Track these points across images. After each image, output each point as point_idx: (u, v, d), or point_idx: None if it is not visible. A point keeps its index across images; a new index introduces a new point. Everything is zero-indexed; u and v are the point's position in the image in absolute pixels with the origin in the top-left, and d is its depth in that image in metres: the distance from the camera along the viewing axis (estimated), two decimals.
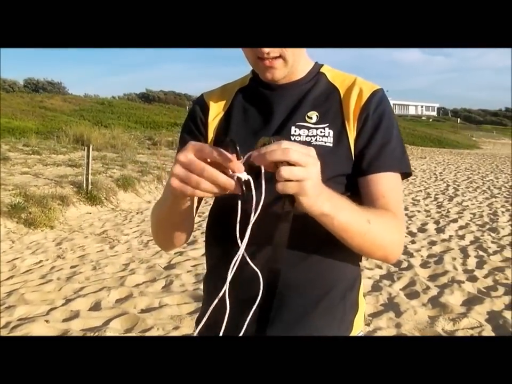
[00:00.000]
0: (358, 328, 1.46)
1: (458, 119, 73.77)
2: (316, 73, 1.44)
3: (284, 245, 1.21)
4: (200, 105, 1.51)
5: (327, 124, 1.36)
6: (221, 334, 1.16)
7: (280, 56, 1.31)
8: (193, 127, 1.49)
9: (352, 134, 1.35)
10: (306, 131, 1.35)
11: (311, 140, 1.34)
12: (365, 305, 1.52)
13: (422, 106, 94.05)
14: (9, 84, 40.74)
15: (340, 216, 1.15)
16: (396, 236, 1.32)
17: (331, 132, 1.34)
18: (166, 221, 1.37)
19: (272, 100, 1.42)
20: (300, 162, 1.00)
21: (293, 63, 1.35)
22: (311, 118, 1.37)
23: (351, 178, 1.37)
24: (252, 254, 1.31)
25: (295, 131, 1.36)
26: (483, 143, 50.82)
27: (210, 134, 1.46)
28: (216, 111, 1.48)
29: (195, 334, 1.52)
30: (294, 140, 1.33)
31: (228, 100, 1.49)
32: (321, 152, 1.29)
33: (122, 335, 4.15)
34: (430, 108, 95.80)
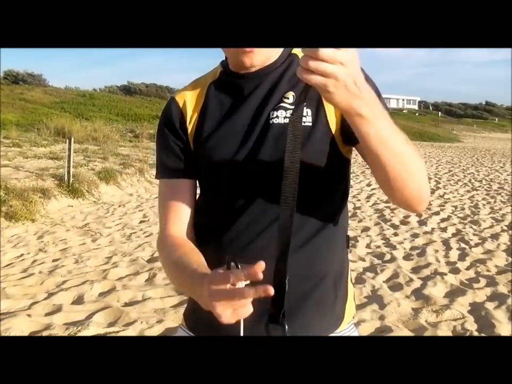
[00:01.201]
0: (350, 315, 1.46)
1: (439, 113, 74.25)
2: (287, 56, 1.42)
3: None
4: (175, 110, 1.46)
5: (304, 103, 1.33)
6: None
7: None
8: (169, 133, 1.45)
9: (329, 109, 1.32)
10: (284, 112, 1.34)
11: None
12: (354, 290, 1.52)
13: (403, 100, 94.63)
14: None
15: (379, 124, 1.07)
16: (425, 173, 1.25)
17: (309, 111, 1.32)
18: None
19: (247, 88, 1.39)
20: (333, 59, 0.94)
21: (268, 49, 1.34)
22: (287, 98, 1.35)
23: (331, 155, 1.34)
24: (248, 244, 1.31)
25: (272, 114, 1.34)
26: (464, 136, 51.20)
27: (191, 137, 1.42)
28: (191, 112, 1.44)
29: (183, 329, 1.52)
30: (272, 123, 1.33)
31: (201, 97, 1.45)
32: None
33: (106, 329, 4.12)
34: (411, 101, 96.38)
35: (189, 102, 1.45)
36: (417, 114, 74.33)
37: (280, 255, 1.14)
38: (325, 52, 0.92)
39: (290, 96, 1.35)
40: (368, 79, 1.24)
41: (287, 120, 1.31)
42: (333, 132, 1.33)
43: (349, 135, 1.26)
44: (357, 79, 0.98)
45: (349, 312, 1.46)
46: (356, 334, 1.49)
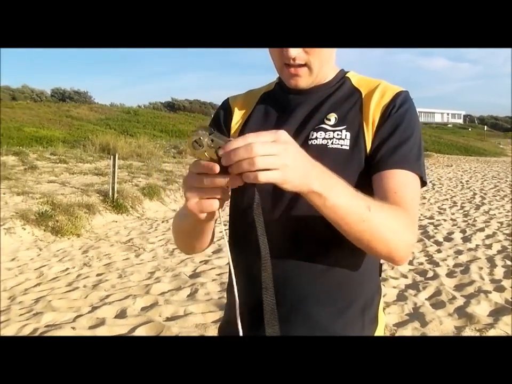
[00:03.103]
0: None
1: (485, 126, 72.96)
2: (341, 78, 1.44)
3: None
4: (225, 109, 1.53)
5: (345, 126, 1.34)
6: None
7: (305, 65, 1.32)
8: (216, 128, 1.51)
9: (369, 135, 1.33)
10: (323, 133, 1.35)
11: (327, 142, 1.33)
12: (385, 320, 1.52)
13: (448, 114, 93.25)
14: (37, 93, 41.33)
15: (333, 196, 1.07)
16: (403, 233, 1.21)
17: (348, 134, 1.33)
18: (186, 234, 1.38)
19: (294, 104, 1.42)
20: (270, 154, 0.94)
21: (318, 72, 1.36)
22: (329, 120, 1.37)
23: (365, 179, 1.34)
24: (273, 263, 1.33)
25: (312, 134, 1.36)
26: (511, 150, 50.17)
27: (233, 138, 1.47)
28: (239, 116, 1.50)
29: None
30: (311, 144, 1.34)
31: (251, 105, 1.50)
32: (337, 155, 1.31)
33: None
34: (456, 115, 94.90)
35: (239, 107, 1.51)
36: (461, 128, 73.28)
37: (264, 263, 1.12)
38: (258, 150, 0.93)
39: (332, 117, 1.37)
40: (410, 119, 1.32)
41: (325, 142, 1.33)
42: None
43: (368, 165, 1.31)
44: (297, 161, 0.99)
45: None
46: None
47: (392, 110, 1.33)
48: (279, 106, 1.45)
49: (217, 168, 0.98)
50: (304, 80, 1.36)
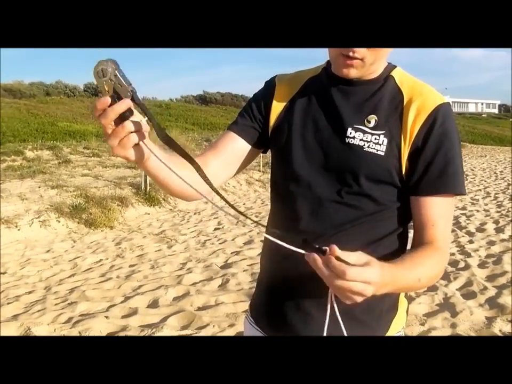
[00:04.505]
0: (397, 328, 1.48)
1: None
2: (387, 75, 1.44)
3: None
4: (268, 87, 1.56)
5: (383, 132, 1.37)
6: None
7: (362, 58, 1.33)
8: (254, 106, 1.55)
9: (406, 147, 1.35)
10: (361, 134, 1.37)
11: (364, 145, 1.36)
12: (407, 305, 1.54)
13: (482, 104, 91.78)
14: (70, 88, 41.78)
15: (396, 286, 1.22)
16: (439, 274, 1.37)
17: (385, 140, 1.36)
18: (154, 181, 1.41)
19: (338, 96, 1.43)
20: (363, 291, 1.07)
21: (370, 66, 1.37)
22: (369, 122, 1.38)
23: (396, 189, 1.39)
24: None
25: (350, 133, 1.38)
26: None
27: (273, 117, 1.51)
28: (283, 96, 1.52)
29: (248, 319, 1.61)
30: (348, 142, 1.37)
31: (297, 88, 1.52)
32: (372, 159, 1.35)
33: (178, 333, 4.25)
34: (491, 105, 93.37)
35: (283, 88, 1.54)
36: (496, 118, 72.03)
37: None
38: (352, 273, 1.04)
39: (373, 120, 1.39)
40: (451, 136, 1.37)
41: (362, 144, 1.36)
42: (403, 169, 1.37)
43: (407, 184, 1.38)
44: (380, 289, 1.11)
45: (396, 325, 1.48)
46: None
47: (433, 127, 1.34)
48: (323, 95, 1.46)
49: (108, 100, 1.06)
50: (356, 72, 1.37)
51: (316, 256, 1.06)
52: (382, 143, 1.35)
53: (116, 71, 1.05)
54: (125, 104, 1.08)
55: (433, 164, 1.34)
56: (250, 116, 1.54)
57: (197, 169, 1.21)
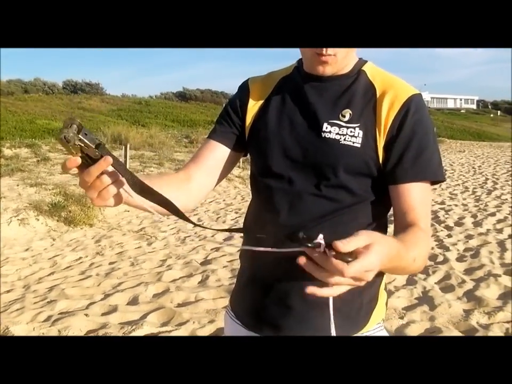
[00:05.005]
0: (377, 320, 1.51)
1: (499, 112, 72.34)
2: (357, 71, 1.47)
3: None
4: (244, 89, 1.59)
5: (358, 125, 1.39)
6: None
7: (334, 54, 1.36)
8: (230, 110, 1.58)
9: (381, 138, 1.38)
10: (337, 129, 1.40)
11: (340, 138, 1.38)
12: (386, 297, 1.56)
13: (460, 99, 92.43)
14: (49, 86, 41.44)
15: (393, 265, 1.16)
16: (427, 255, 1.36)
17: (361, 133, 1.38)
18: None
19: (311, 93, 1.46)
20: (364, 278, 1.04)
21: (342, 60, 1.40)
22: (344, 116, 1.41)
23: (374, 180, 1.41)
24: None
25: (326, 127, 1.40)
26: None
27: (248, 119, 1.54)
28: (257, 98, 1.55)
29: (228, 312, 1.63)
30: (324, 137, 1.40)
31: (270, 88, 1.55)
32: (349, 151, 1.37)
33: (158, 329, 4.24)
34: (469, 100, 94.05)
35: (257, 90, 1.57)
36: (474, 113, 72.63)
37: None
38: (351, 271, 0.99)
39: (347, 114, 1.41)
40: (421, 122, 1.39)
41: (338, 137, 1.38)
42: (380, 160, 1.39)
43: (384, 174, 1.39)
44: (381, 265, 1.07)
45: (375, 318, 1.50)
46: (383, 332, 1.53)
47: (407, 117, 1.37)
48: (297, 93, 1.49)
49: (78, 161, 1.08)
50: (331, 68, 1.40)
51: (305, 260, 1.02)
52: (358, 136, 1.38)
53: (80, 135, 1.04)
54: (99, 167, 1.09)
55: (407, 151, 1.37)
56: (227, 121, 1.57)
57: (175, 212, 1.22)
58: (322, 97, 1.44)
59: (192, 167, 1.54)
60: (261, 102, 1.54)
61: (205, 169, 1.53)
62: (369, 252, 1.01)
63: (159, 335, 4.11)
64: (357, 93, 1.43)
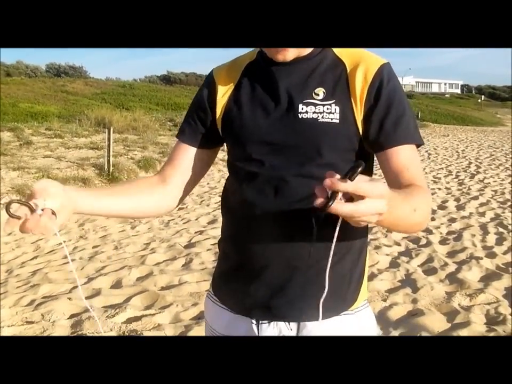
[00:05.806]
0: (364, 297, 1.51)
1: (483, 96, 72.63)
2: (321, 50, 1.44)
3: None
4: (208, 84, 1.56)
5: (334, 101, 1.38)
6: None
7: None
8: (198, 107, 1.56)
9: (358, 110, 1.37)
10: (313, 108, 1.38)
11: (318, 116, 1.37)
12: (367, 274, 1.56)
13: (445, 84, 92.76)
14: (32, 69, 41.05)
15: (392, 214, 1.09)
16: (429, 210, 1.35)
17: (337, 108, 1.37)
18: None
19: (279, 77, 1.43)
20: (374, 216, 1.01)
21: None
22: (318, 94, 1.39)
23: (358, 155, 1.40)
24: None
25: (302, 108, 1.39)
26: (508, 120, 49.84)
27: (219, 111, 1.50)
28: (224, 87, 1.52)
29: (210, 295, 1.62)
30: (301, 118, 1.37)
31: (237, 75, 1.52)
32: (328, 128, 1.36)
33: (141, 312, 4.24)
34: (454, 85, 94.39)
35: (224, 79, 1.53)
36: (458, 98, 72.94)
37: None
38: (363, 210, 0.97)
39: (321, 92, 1.39)
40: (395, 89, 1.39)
41: (315, 116, 1.37)
42: (360, 132, 1.38)
43: (369, 143, 1.39)
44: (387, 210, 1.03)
45: (363, 294, 1.50)
46: (369, 310, 1.54)
47: (381, 86, 1.37)
48: (266, 78, 1.46)
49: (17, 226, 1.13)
50: (291, 54, 1.38)
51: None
52: (335, 112, 1.37)
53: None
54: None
55: (387, 118, 1.36)
56: (195, 120, 1.55)
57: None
58: (292, 80, 1.42)
59: (168, 169, 1.56)
60: (230, 91, 1.51)
61: (182, 172, 1.55)
62: (378, 182, 1.00)
63: (143, 318, 4.11)
64: (326, 71, 1.42)
